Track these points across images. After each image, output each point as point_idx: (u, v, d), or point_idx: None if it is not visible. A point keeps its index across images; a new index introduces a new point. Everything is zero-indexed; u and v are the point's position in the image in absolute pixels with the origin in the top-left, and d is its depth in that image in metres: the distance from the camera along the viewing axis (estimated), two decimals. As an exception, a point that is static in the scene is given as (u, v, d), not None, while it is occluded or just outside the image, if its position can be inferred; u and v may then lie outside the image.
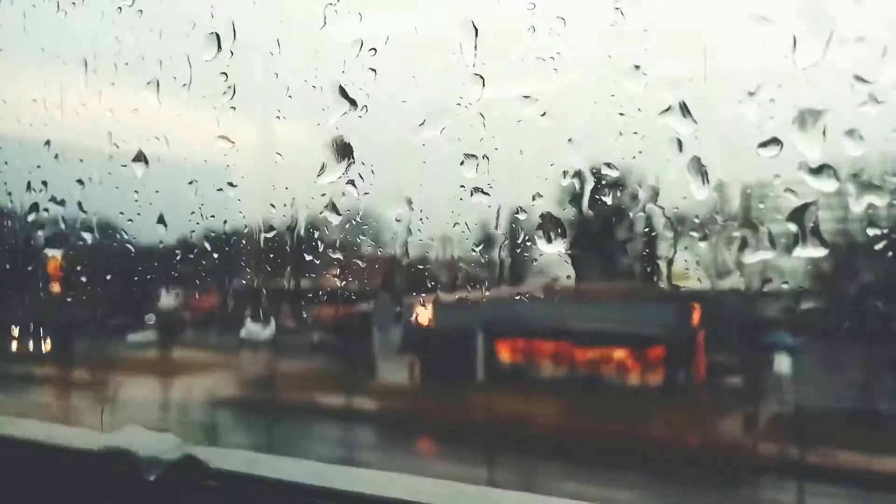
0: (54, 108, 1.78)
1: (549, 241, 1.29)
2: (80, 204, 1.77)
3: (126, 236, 1.72)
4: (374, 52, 1.33)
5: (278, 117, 1.48)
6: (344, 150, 1.39)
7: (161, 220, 1.67)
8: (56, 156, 1.80)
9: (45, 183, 1.82)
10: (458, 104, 1.30)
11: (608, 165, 1.26)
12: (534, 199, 1.31)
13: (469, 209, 1.35)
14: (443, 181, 1.36)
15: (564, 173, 1.28)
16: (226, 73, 1.50)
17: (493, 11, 1.28)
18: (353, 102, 1.36)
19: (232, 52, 1.49)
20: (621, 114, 1.19)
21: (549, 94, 1.25)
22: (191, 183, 1.60)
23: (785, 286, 1.22)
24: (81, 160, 1.76)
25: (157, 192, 1.64)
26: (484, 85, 1.28)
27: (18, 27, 1.83)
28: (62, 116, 1.78)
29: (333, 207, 1.44)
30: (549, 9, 1.23)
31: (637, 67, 1.15)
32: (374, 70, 1.34)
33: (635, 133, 1.19)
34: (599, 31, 1.19)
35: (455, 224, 1.37)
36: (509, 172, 1.32)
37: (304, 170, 1.48)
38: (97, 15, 1.67)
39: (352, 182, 1.41)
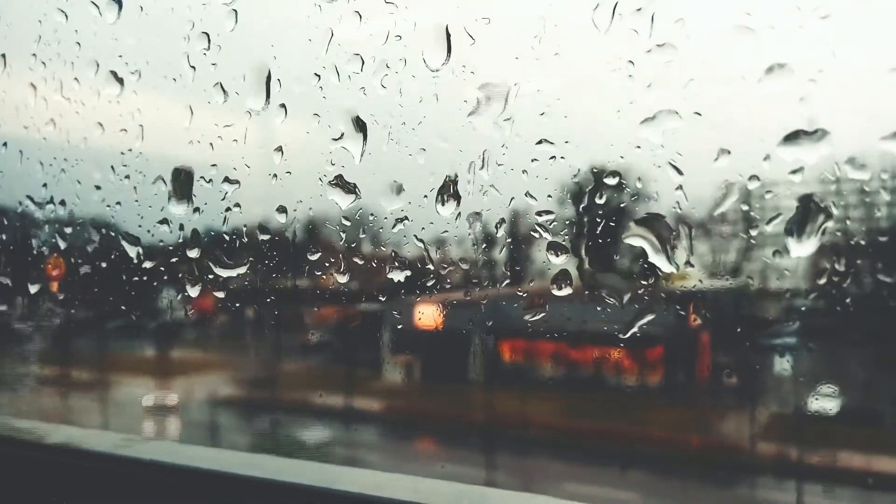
0: (53, 107, 1.79)
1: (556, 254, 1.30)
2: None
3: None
4: (370, 57, 1.33)
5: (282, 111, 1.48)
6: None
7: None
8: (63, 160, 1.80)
9: (45, 185, 1.83)
10: (458, 103, 1.30)
11: (609, 165, 1.26)
12: (534, 199, 1.31)
13: (476, 209, 1.35)
14: (441, 180, 1.36)
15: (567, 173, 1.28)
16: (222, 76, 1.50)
17: (493, 11, 1.28)
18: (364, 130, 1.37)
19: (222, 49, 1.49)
20: (620, 111, 1.19)
21: (549, 93, 1.25)
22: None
23: (786, 285, 1.22)
24: (78, 160, 1.76)
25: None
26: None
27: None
28: (60, 116, 1.78)
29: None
30: (549, 8, 1.23)
31: (633, 64, 1.15)
32: (366, 62, 1.35)
33: (636, 130, 1.19)
34: (600, 30, 1.19)
35: (449, 225, 1.37)
36: (509, 172, 1.31)
37: (308, 170, 1.48)
38: (95, 15, 1.67)
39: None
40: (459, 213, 1.35)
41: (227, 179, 1.58)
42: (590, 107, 1.29)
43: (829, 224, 1.05)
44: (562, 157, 1.26)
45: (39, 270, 2.00)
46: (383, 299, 1.51)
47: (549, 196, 1.30)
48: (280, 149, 1.50)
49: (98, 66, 1.69)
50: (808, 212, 1.06)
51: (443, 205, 1.36)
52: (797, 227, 1.06)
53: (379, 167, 1.40)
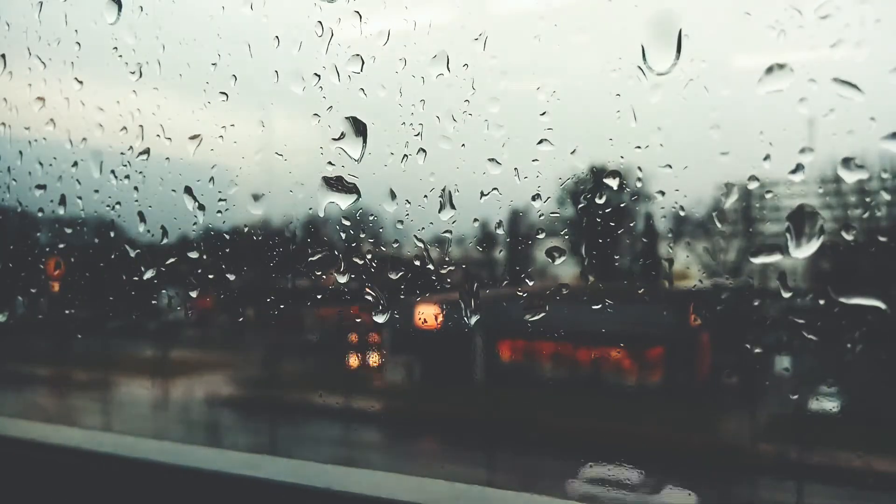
0: (52, 105, 1.79)
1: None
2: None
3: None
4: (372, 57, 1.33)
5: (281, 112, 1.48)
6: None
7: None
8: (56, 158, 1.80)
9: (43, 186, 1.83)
10: (458, 104, 1.30)
11: (608, 165, 1.26)
12: (534, 199, 1.31)
13: (476, 209, 1.35)
14: (443, 182, 1.36)
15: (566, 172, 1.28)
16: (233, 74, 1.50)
17: (493, 11, 1.28)
18: (363, 131, 1.37)
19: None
20: (620, 111, 1.19)
21: (549, 93, 1.25)
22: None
23: (787, 285, 1.22)
24: (80, 160, 1.76)
25: (174, 190, 1.63)
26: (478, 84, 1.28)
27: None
28: (58, 114, 1.78)
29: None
30: (549, 9, 1.23)
31: (638, 67, 1.15)
32: (366, 62, 1.35)
33: (635, 128, 1.19)
34: (600, 30, 1.19)
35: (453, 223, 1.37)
36: (509, 171, 1.31)
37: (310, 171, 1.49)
38: (97, 13, 1.67)
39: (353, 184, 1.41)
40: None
41: (227, 179, 1.58)
42: (590, 107, 1.29)
43: (829, 225, 1.05)
44: (562, 158, 1.26)
45: (39, 270, 2.00)
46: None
47: (547, 196, 1.30)
48: (279, 149, 1.50)
49: (96, 63, 1.69)
50: (808, 212, 1.06)
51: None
52: (797, 227, 1.06)
53: (379, 167, 1.40)
